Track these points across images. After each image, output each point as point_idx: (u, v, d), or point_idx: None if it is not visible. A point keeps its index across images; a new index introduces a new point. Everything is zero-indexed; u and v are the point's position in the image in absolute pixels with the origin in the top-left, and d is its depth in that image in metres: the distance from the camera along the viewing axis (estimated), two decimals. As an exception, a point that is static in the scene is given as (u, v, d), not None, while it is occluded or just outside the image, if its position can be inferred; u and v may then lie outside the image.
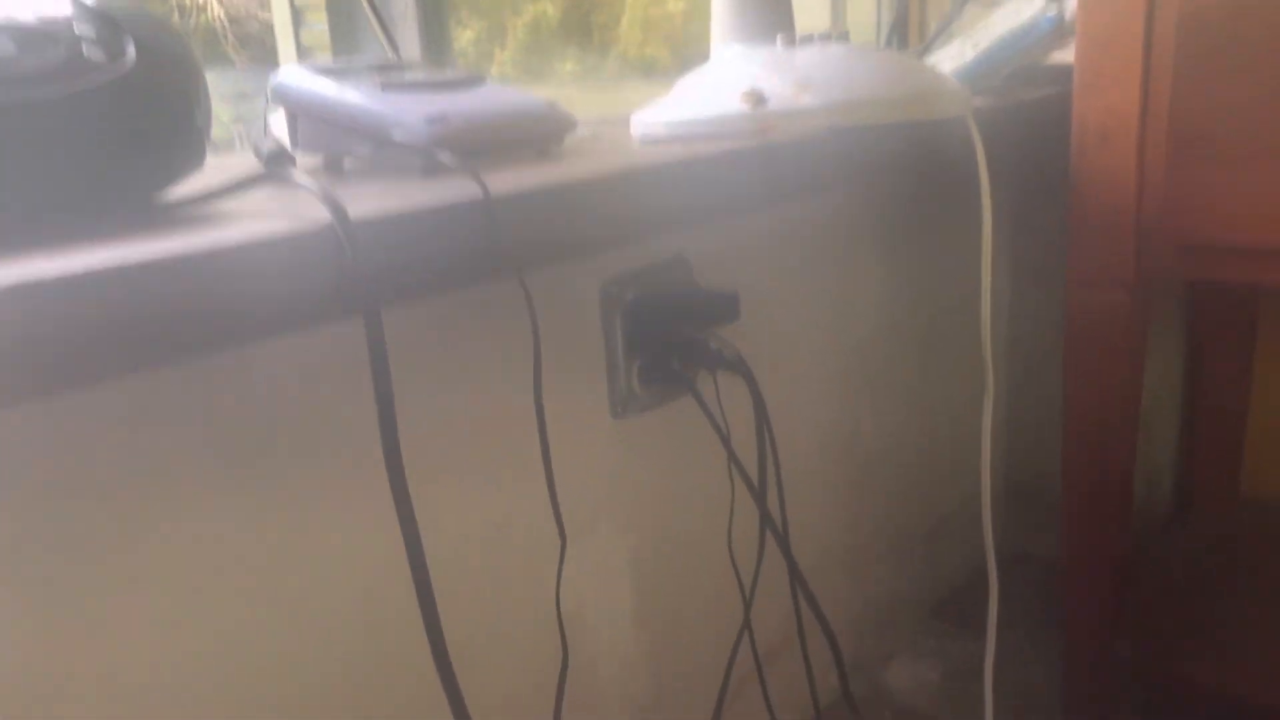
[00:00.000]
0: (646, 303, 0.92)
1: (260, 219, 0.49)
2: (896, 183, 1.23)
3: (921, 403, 1.36)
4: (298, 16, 1.63)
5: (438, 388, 0.74)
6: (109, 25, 0.54)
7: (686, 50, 1.88)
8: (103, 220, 0.51)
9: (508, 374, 0.79)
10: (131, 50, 0.52)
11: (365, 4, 1.24)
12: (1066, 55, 1.01)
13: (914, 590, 1.43)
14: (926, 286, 1.32)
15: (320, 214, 0.48)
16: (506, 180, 0.61)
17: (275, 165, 0.68)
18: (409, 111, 0.69)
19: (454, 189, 0.56)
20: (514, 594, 0.82)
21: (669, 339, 0.92)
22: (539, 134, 0.77)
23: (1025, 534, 1.53)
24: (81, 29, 0.52)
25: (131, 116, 0.50)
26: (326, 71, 0.75)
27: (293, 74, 0.74)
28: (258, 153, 0.68)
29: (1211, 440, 1.41)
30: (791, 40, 0.90)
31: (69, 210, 0.50)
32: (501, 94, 0.77)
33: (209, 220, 0.50)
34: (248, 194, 0.58)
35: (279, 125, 0.79)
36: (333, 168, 0.77)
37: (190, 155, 0.55)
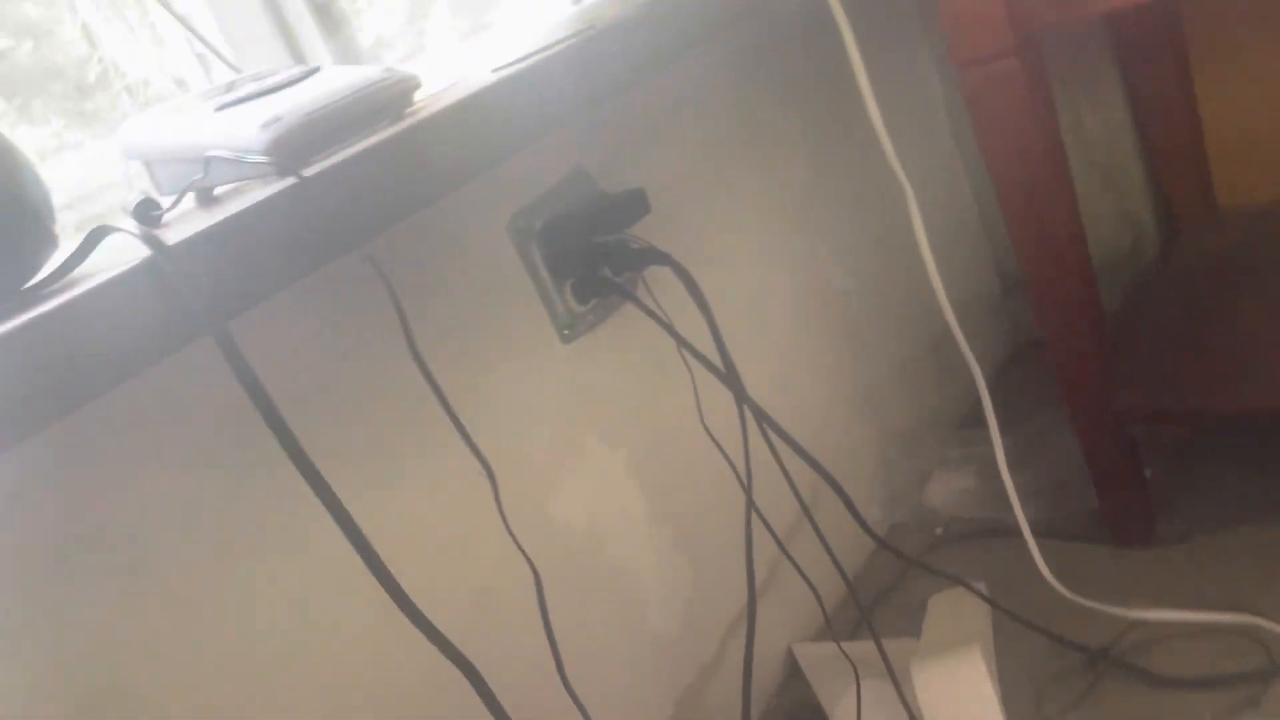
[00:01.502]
0: (558, 225, 0.94)
1: (103, 272, 0.52)
2: (753, 27, 1.21)
3: (882, 230, 1.36)
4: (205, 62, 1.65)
5: (330, 376, 0.76)
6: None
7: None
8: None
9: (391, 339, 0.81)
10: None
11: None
12: None
13: (934, 411, 1.45)
14: (833, 114, 1.30)
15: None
16: (343, 152, 0.63)
17: (141, 217, 0.71)
18: (244, 124, 0.70)
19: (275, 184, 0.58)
20: (475, 535, 0.85)
21: (591, 253, 0.94)
22: (382, 102, 0.78)
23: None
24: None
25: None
26: (166, 112, 0.77)
27: (134, 127, 0.76)
28: (125, 210, 0.71)
29: (1178, 169, 1.39)
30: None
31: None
32: (337, 77, 0.78)
33: (62, 289, 0.53)
34: (101, 254, 0.61)
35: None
36: (205, 201, 0.79)
37: (35, 243, 0.58)
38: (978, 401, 1.08)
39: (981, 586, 1.10)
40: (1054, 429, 1.30)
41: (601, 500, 0.96)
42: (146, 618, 0.64)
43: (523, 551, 0.78)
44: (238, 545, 0.69)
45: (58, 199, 0.85)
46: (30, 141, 0.96)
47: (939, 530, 1.31)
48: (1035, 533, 1.08)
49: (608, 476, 0.97)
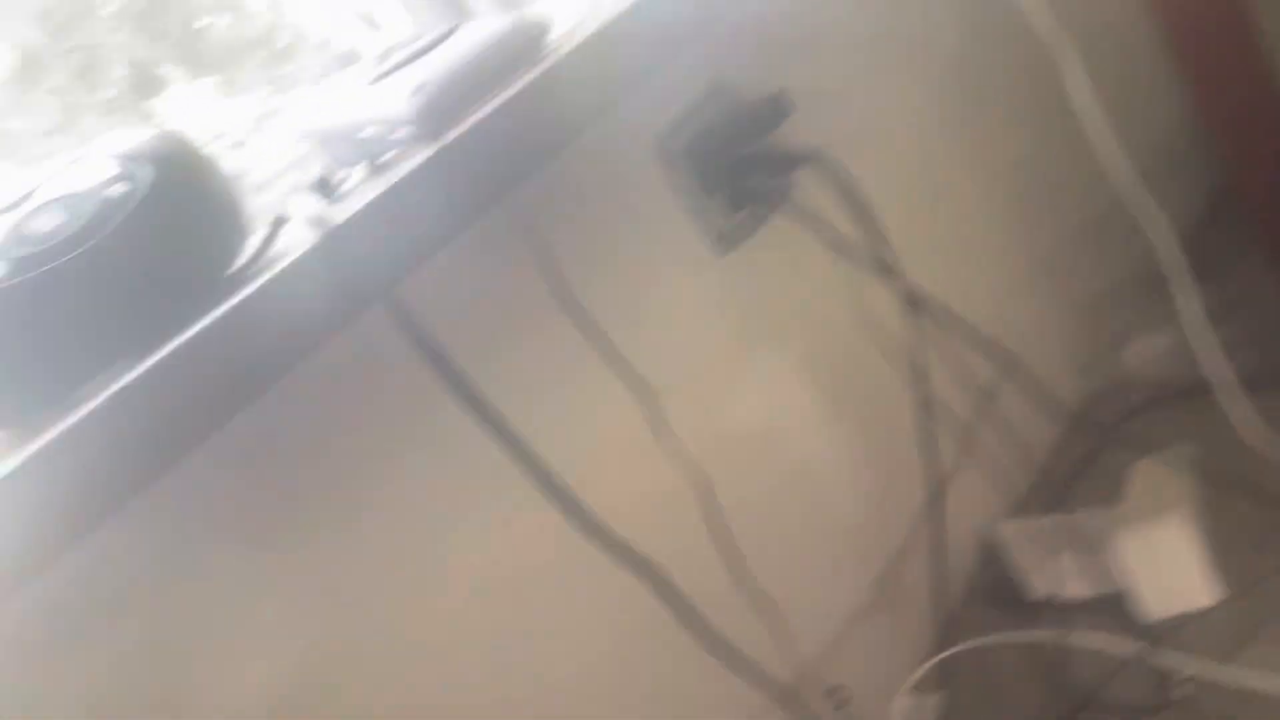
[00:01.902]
0: (702, 140, 0.95)
1: (285, 255, 0.59)
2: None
3: (1046, 90, 1.29)
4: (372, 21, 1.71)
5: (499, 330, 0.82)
6: (128, 163, 0.65)
7: None
8: (192, 303, 0.62)
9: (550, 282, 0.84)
10: (149, 177, 0.63)
11: None
12: None
13: (1124, 272, 1.38)
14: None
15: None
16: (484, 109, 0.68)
17: (319, 193, 0.78)
18: (393, 96, 0.76)
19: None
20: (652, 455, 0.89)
21: (738, 163, 0.95)
22: (516, 51, 0.82)
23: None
24: (108, 176, 0.64)
25: (162, 230, 0.61)
26: (328, 93, 0.84)
27: (304, 111, 0.83)
28: (306, 188, 0.79)
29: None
30: None
31: (171, 304, 0.61)
32: (473, 34, 0.82)
33: (252, 276, 0.60)
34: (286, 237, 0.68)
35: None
36: (373, 171, 0.85)
37: (231, 232, 0.66)
38: (1171, 258, 1.02)
39: (1185, 450, 1.07)
40: (1255, 283, 1.22)
41: (772, 405, 0.99)
42: (362, 562, 0.72)
43: (693, 463, 0.82)
44: (429, 489, 0.76)
45: (265, 171, 0.93)
46: (241, 110, 1.03)
47: (1136, 396, 1.26)
48: (1240, 391, 1.03)
49: (776, 382, 1.00)
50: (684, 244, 0.94)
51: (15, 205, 0.62)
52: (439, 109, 0.74)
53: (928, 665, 0.98)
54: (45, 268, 0.57)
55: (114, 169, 0.63)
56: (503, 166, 0.68)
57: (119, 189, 0.62)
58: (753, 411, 0.96)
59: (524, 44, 0.83)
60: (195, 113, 0.99)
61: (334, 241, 0.57)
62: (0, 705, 0.57)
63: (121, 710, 0.61)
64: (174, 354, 0.53)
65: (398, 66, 0.82)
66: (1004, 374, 1.15)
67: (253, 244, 0.68)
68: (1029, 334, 1.23)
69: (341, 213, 0.62)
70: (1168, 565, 1.00)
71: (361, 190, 0.71)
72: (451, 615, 0.76)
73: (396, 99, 0.76)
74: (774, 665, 0.80)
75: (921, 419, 0.95)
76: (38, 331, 0.58)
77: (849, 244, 0.90)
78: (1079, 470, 1.24)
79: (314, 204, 0.68)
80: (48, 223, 0.60)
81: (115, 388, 0.51)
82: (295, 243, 0.63)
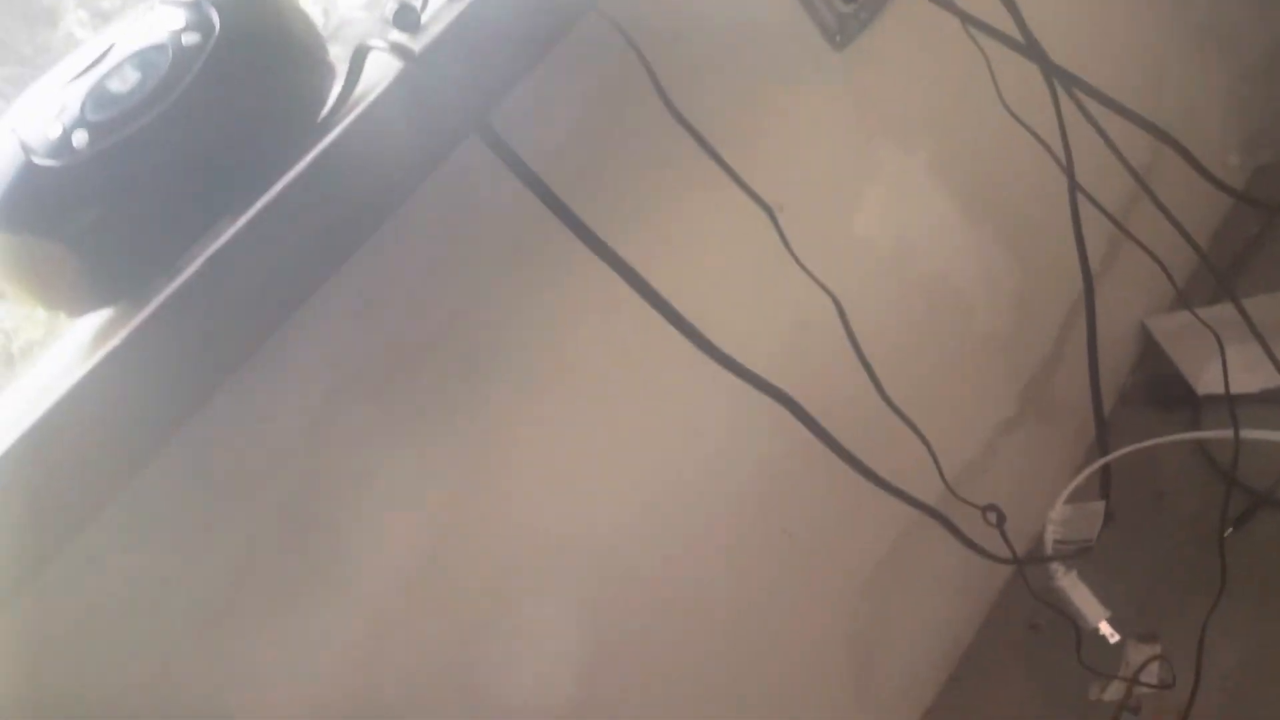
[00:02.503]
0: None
1: (370, 91, 0.54)
2: None
3: None
4: None
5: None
6: (196, 10, 0.60)
7: None
8: (285, 150, 0.58)
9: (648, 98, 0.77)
10: (218, 22, 0.58)
11: None
12: None
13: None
14: None
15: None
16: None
17: (401, 24, 0.72)
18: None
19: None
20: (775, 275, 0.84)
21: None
22: None
23: None
24: (178, 27, 0.60)
25: (240, 76, 0.57)
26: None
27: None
28: (386, 19, 0.73)
29: None
30: None
31: (262, 154, 0.58)
32: None
33: (343, 116, 0.56)
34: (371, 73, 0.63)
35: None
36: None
37: (313, 72, 0.62)
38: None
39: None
40: None
41: (905, 210, 0.92)
42: (491, 406, 0.70)
43: (822, 282, 0.76)
44: (548, 323, 0.73)
45: (343, 9, 0.88)
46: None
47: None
48: None
49: (907, 184, 0.92)
50: (795, 39, 0.86)
51: (90, 68, 0.59)
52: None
53: (1085, 473, 0.92)
54: (126, 132, 0.54)
55: (182, 18, 0.59)
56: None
57: (191, 38, 0.58)
58: (883, 221, 0.90)
59: None
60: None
61: (420, 71, 0.52)
62: (140, 582, 0.57)
63: (267, 583, 0.62)
64: (271, 206, 0.49)
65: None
66: (1159, 155, 1.04)
67: (338, 85, 0.64)
68: (1186, 109, 1.11)
69: (424, 40, 0.57)
70: (1353, 350, 0.91)
71: (442, 15, 0.65)
72: (591, 453, 0.74)
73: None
74: (921, 484, 0.76)
75: (1071, 208, 0.86)
76: (130, 199, 0.56)
77: (982, 20, 0.81)
78: (1244, 256, 1.14)
79: (395, 35, 0.63)
80: (123, 83, 0.56)
81: (214, 248, 0.48)
82: (381, 78, 0.59)
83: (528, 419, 0.72)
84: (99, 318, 0.63)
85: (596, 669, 0.75)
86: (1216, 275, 0.97)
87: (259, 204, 0.51)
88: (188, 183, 0.57)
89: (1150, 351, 1.11)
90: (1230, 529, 0.90)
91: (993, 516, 0.78)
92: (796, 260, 0.76)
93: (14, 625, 0.52)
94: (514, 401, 0.71)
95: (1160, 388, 1.07)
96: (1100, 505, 0.86)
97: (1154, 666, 0.84)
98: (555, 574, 0.73)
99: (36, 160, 0.57)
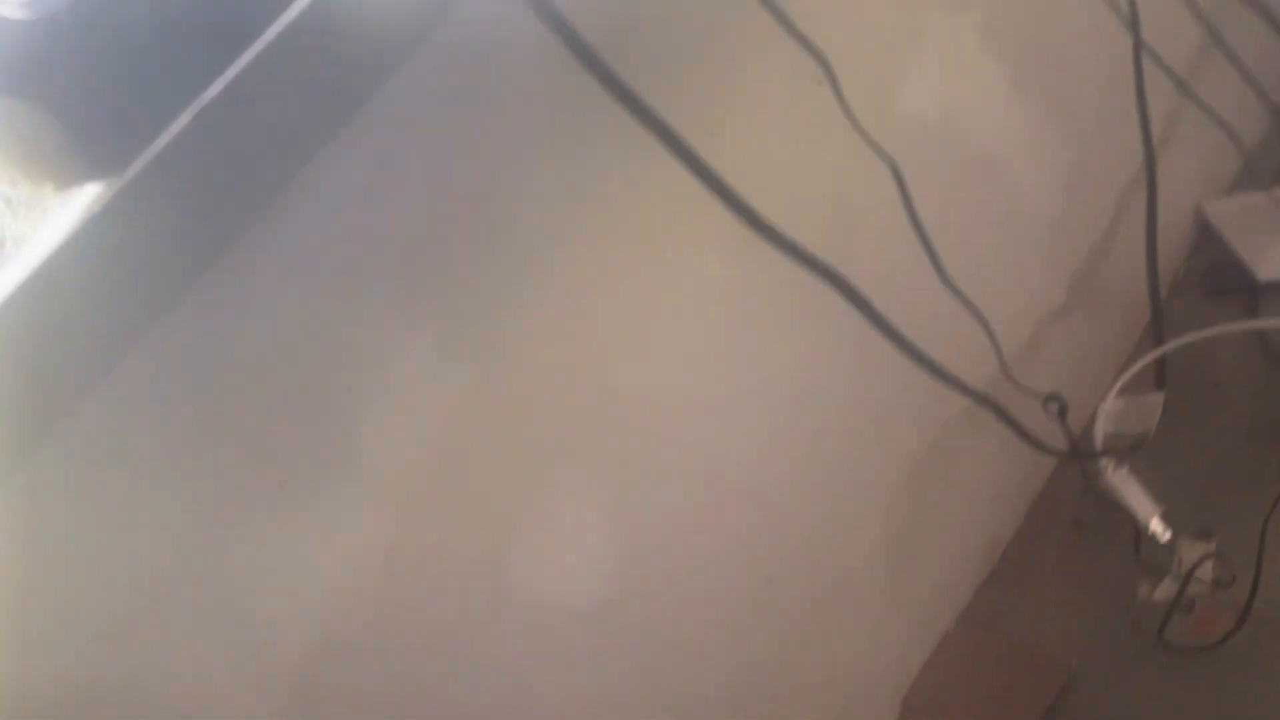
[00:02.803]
0: None
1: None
2: None
3: None
4: None
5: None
6: None
7: None
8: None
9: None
10: None
11: None
12: None
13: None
14: None
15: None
16: None
17: None
18: None
19: None
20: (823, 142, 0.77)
21: None
22: None
23: None
24: None
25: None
26: None
27: None
28: None
29: None
30: None
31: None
32: None
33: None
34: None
35: None
36: None
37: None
38: None
39: None
40: None
41: (956, 79, 0.84)
42: (512, 278, 0.65)
43: (875, 146, 0.70)
44: (578, 194, 0.66)
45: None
46: None
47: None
48: None
49: (959, 51, 0.85)
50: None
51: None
52: None
53: (1141, 363, 0.87)
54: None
55: None
56: None
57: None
58: (934, 88, 0.82)
59: None
60: None
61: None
62: (137, 469, 0.53)
63: (278, 476, 0.58)
64: (262, 57, 0.44)
65: None
66: (1219, 28, 0.96)
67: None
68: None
69: None
70: None
71: None
72: (624, 335, 0.69)
73: None
74: (971, 370, 0.71)
75: (1135, 69, 0.79)
76: (113, 54, 0.50)
77: None
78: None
79: None
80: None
81: (201, 102, 0.43)
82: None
83: (554, 299, 0.66)
84: (89, 194, 0.58)
85: (625, 565, 0.72)
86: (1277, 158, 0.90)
87: (248, 54, 0.45)
88: (176, 36, 0.51)
89: (1205, 239, 1.05)
90: (1294, 422, 0.85)
91: (1054, 407, 0.73)
92: (854, 122, 0.69)
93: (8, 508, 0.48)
94: (541, 281, 0.65)
95: (1216, 276, 1.01)
96: (1159, 396, 0.81)
97: (1209, 565, 0.81)
98: (585, 463, 0.69)
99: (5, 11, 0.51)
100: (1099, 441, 0.83)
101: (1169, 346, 0.88)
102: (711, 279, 0.70)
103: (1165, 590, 0.84)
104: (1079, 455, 0.83)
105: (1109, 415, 0.84)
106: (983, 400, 0.69)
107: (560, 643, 0.71)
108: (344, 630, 0.62)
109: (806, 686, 0.85)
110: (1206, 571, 0.81)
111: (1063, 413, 0.75)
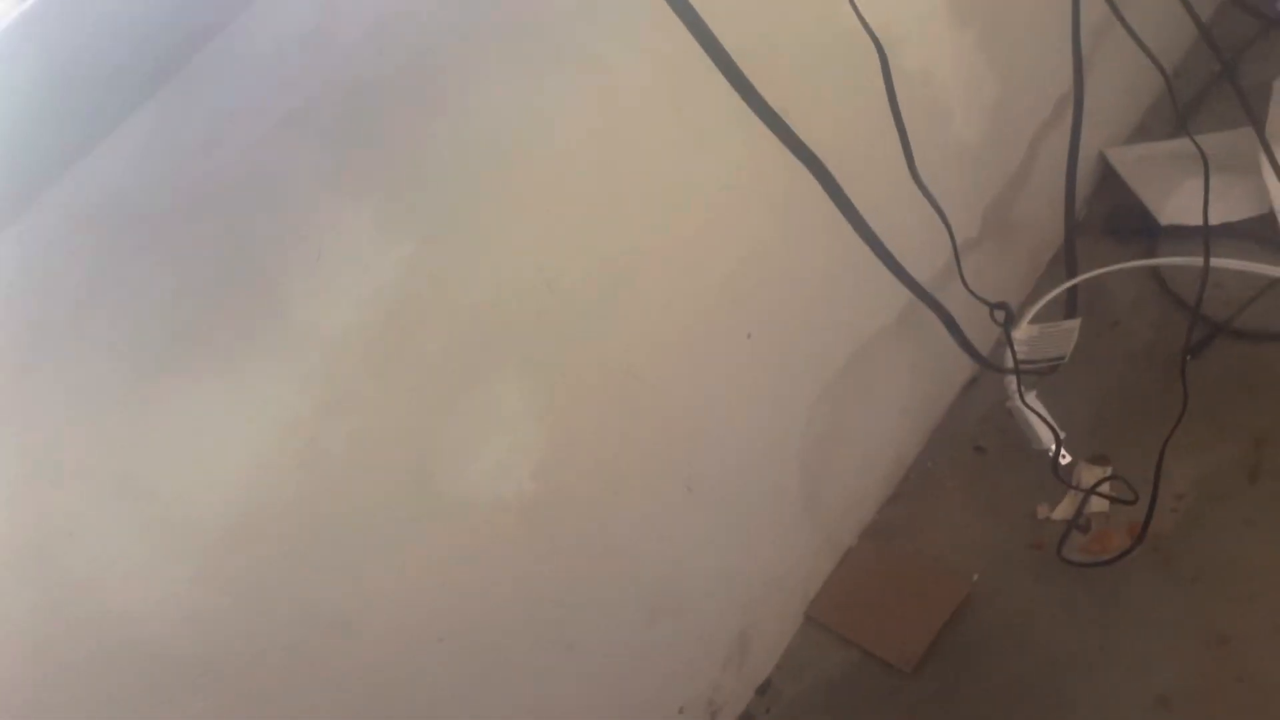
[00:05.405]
0: None
1: None
2: None
3: None
4: None
5: None
6: None
7: None
8: None
9: None
10: None
11: None
12: None
13: None
14: None
15: None
16: None
17: None
18: None
19: None
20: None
21: None
22: None
23: None
24: None
25: None
26: None
27: None
28: None
29: None
30: None
31: None
32: None
33: None
34: None
35: None
36: None
37: None
38: None
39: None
40: None
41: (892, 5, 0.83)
42: (462, 146, 0.60)
43: (866, 27, 0.67)
44: (546, 50, 0.62)
45: None
46: None
47: (1284, 4, 1.10)
48: None
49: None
50: None
51: None
52: None
53: (1054, 293, 0.90)
54: None
55: None
56: None
57: None
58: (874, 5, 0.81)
59: None
60: None
61: None
62: (43, 327, 0.47)
63: (198, 336, 0.52)
64: None
65: None
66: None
67: None
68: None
69: None
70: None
71: None
72: (588, 204, 0.65)
73: None
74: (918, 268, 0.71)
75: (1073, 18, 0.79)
76: None
77: None
78: (1208, 88, 1.10)
79: None
80: None
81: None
82: None
83: (506, 169, 0.62)
84: None
85: (555, 462, 0.69)
86: (1179, 106, 0.92)
87: None
88: None
89: (1105, 184, 1.08)
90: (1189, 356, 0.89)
91: (1000, 315, 0.74)
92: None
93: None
94: (495, 148, 0.61)
95: (1119, 218, 1.04)
96: (1075, 323, 0.83)
97: (1106, 487, 0.84)
98: (523, 350, 0.65)
99: None
100: (1014, 362, 0.84)
101: (1082, 278, 0.90)
102: (700, 139, 0.66)
103: (1064, 510, 0.87)
104: (1003, 370, 0.84)
105: (1022, 341, 0.86)
106: (928, 298, 0.68)
107: (486, 538, 0.68)
108: (258, 514, 0.58)
109: (715, 591, 0.85)
110: (1104, 492, 0.84)
111: (1008, 321, 0.76)
